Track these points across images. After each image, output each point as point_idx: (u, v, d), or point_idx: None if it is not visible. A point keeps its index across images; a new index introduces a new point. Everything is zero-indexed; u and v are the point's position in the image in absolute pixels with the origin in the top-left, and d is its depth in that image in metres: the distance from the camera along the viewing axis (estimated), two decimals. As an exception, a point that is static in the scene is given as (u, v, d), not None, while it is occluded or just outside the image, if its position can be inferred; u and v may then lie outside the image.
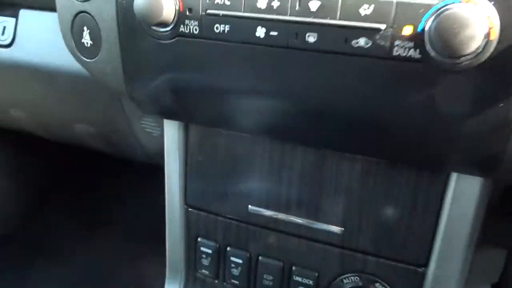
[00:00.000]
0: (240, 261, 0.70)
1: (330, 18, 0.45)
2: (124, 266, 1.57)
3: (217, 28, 0.49)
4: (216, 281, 0.74)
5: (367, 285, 0.63)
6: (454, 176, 0.54)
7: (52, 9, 0.63)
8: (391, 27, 0.43)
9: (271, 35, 0.47)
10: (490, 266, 0.96)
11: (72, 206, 1.75)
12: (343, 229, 0.62)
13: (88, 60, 0.61)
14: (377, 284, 0.63)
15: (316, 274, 0.66)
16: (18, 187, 1.59)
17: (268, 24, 0.47)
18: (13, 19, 0.77)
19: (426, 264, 0.60)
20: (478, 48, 0.40)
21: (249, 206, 0.66)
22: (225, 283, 0.73)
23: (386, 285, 0.62)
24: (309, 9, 0.45)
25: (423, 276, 0.60)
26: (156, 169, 0.78)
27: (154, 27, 0.52)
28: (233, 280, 0.72)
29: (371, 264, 0.62)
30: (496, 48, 0.41)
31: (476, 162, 0.47)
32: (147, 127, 0.79)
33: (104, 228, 1.69)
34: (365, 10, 0.43)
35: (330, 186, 0.60)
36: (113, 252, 1.62)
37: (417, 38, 0.42)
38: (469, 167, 0.49)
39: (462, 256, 0.57)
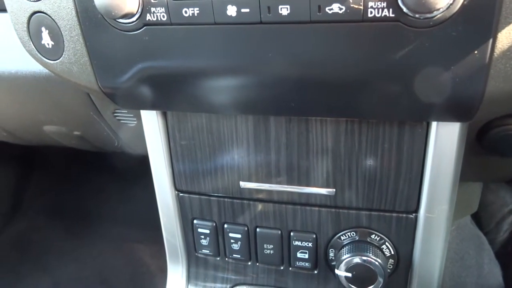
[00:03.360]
0: (239, 236, 0.71)
1: (301, -13, 0.44)
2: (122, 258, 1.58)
3: (185, 12, 0.48)
4: (218, 258, 0.75)
5: (363, 238, 0.66)
6: (434, 123, 0.56)
7: (3, 10, 0.59)
8: (363, -11, 0.43)
9: (243, 12, 0.46)
10: (469, 199, 1.02)
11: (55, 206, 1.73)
12: (334, 190, 0.64)
13: (51, 62, 0.58)
14: (373, 236, 0.66)
15: (314, 236, 0.68)
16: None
17: (239, 1, 0.46)
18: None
19: (416, 210, 0.63)
20: (449, 0, 0.41)
21: (241, 182, 0.67)
22: (227, 259, 0.75)
23: (381, 235, 0.65)
24: (278, -19, 0.44)
25: (415, 221, 0.63)
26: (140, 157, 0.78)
27: (119, 20, 0.50)
28: (234, 255, 0.73)
29: (365, 219, 0.65)
30: (466, -2, 0.42)
31: (456, 109, 0.49)
32: (122, 119, 0.77)
33: (98, 222, 1.69)
34: (335, -25, 0.43)
35: (317, 150, 0.62)
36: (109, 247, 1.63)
37: (390, -2, 0.43)
38: (449, 115, 0.51)
39: (449, 196, 0.61)
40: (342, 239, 0.67)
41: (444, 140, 0.57)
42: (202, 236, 0.73)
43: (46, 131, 0.89)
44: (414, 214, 0.63)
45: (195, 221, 0.73)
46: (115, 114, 0.77)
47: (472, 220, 1.13)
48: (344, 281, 0.65)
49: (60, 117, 0.82)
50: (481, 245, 1.02)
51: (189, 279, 0.78)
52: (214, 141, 0.65)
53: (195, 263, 0.77)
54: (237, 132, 0.63)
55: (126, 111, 0.75)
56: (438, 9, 0.41)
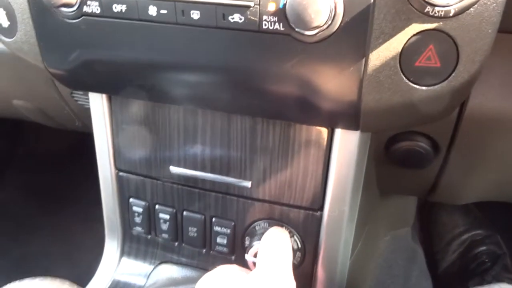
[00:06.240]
0: (167, 216, 0.78)
1: (210, -3, 0.51)
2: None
3: (115, 7, 0.55)
4: (149, 236, 0.82)
5: (275, 229, 0.72)
6: (338, 131, 0.63)
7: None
8: (258, 4, 0.50)
9: (162, 13, 0.54)
10: (403, 212, 1.08)
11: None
12: (250, 182, 0.70)
13: (7, 40, 0.65)
14: (284, 228, 0.72)
15: (233, 224, 0.75)
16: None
17: (158, 3, 0.54)
18: None
19: (321, 208, 0.69)
20: (327, 20, 0.48)
21: (171, 166, 0.74)
22: (156, 237, 0.81)
23: (291, 228, 0.72)
24: (193, -10, 0.52)
25: (320, 218, 0.70)
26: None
27: (60, 8, 0.57)
28: (163, 234, 0.80)
29: (277, 212, 0.71)
30: (343, 20, 0.48)
31: (341, 118, 0.56)
32: (79, 99, 0.85)
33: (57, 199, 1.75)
34: (238, -11, 0.50)
35: (236, 145, 0.68)
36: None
37: (280, 14, 0.50)
38: (338, 123, 0.57)
39: (349, 199, 0.67)
40: (256, 228, 0.73)
41: (345, 147, 0.63)
42: (136, 214, 0.80)
43: (15, 105, 0.96)
44: (319, 212, 0.69)
45: (130, 200, 0.80)
46: (72, 95, 0.84)
47: (414, 235, 1.19)
48: (252, 266, 0.71)
49: (25, 92, 0.90)
50: (414, 258, 1.08)
51: (122, 253, 0.85)
52: (150, 127, 0.72)
53: (129, 239, 0.84)
54: (169, 120, 0.70)
55: (82, 93, 0.83)
56: (318, 27, 0.48)
